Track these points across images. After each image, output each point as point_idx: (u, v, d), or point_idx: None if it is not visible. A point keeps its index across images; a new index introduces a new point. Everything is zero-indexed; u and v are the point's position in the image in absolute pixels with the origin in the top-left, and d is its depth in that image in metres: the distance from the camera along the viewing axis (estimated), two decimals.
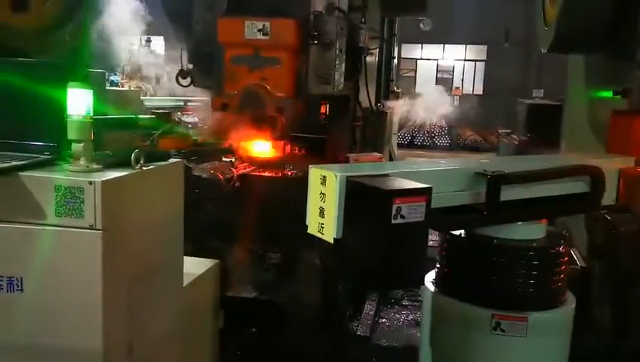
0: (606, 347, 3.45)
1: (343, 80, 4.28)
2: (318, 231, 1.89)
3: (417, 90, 20.26)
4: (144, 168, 1.70)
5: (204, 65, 4.33)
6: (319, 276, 4.02)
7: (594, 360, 3.36)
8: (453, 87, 19.85)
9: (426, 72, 21.26)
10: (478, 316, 2.50)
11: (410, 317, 4.62)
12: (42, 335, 1.55)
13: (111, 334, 1.55)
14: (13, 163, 1.55)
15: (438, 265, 2.78)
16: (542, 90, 16.10)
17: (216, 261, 2.43)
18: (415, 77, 21.12)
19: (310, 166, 1.96)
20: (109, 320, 1.54)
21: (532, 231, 2.55)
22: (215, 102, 4.18)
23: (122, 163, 1.71)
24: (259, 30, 4.03)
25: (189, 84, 4.44)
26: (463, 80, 20.95)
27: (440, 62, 21.39)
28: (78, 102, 1.64)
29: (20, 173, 1.53)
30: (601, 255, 3.83)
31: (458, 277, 2.64)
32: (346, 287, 4.64)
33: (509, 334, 2.47)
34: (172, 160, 1.88)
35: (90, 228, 1.51)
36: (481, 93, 20.88)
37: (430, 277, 2.81)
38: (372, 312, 4.47)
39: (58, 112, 1.68)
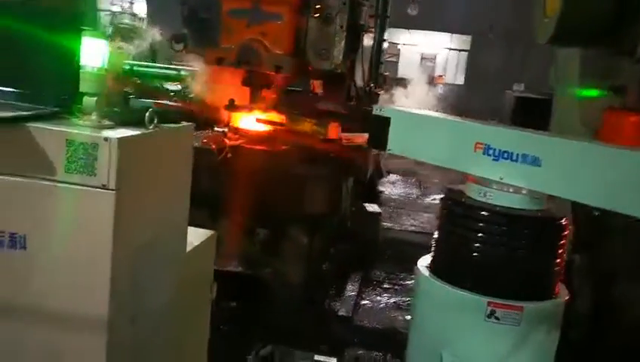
0: (587, 340, 3.50)
1: (341, 57, 4.21)
2: None
3: (400, 75, 20.29)
4: (157, 129, 1.61)
5: (199, 30, 4.19)
6: (305, 254, 3.99)
7: (574, 352, 3.40)
8: (436, 76, 19.86)
9: (408, 58, 21.20)
10: (473, 303, 2.48)
11: (392, 300, 4.62)
12: (45, 296, 1.46)
13: (116, 299, 1.48)
14: (19, 112, 1.45)
15: (433, 249, 2.75)
16: (522, 84, 16.25)
17: (213, 232, 2.35)
18: (397, 62, 21.05)
19: None
20: (115, 285, 1.45)
21: (534, 202, 2.45)
22: (209, 56, 4.00)
23: (133, 121, 1.62)
24: None
25: (182, 49, 4.30)
26: (445, 68, 20.98)
27: (423, 49, 21.35)
28: (93, 52, 1.54)
29: (27, 125, 1.43)
30: (586, 248, 3.87)
31: (454, 263, 2.61)
32: (330, 267, 4.63)
33: (502, 322, 2.46)
34: (184, 123, 1.80)
35: (103, 187, 1.41)
36: (462, 83, 20.96)
37: (425, 261, 2.79)
38: (354, 293, 4.45)
39: (69, 62, 1.58)
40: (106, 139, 1.41)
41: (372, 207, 5.60)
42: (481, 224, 2.51)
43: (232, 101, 4.13)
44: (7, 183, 1.43)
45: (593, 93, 4.71)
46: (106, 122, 1.52)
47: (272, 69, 3.95)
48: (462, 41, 21.19)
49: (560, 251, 2.54)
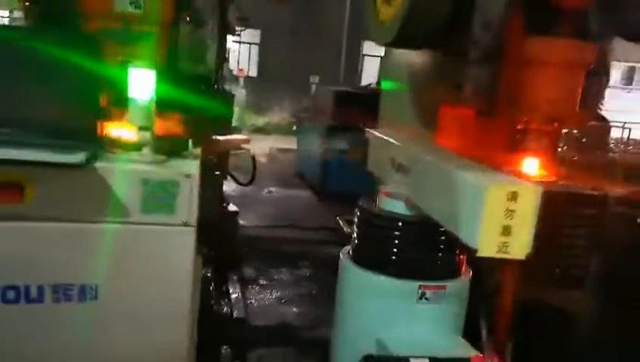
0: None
1: (214, 61, 4.19)
2: (499, 251, 1.88)
3: None
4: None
5: None
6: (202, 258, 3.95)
7: None
8: (238, 69, 20.03)
9: None
10: (406, 288, 2.80)
11: (274, 296, 4.77)
12: (119, 345, 1.37)
13: (191, 333, 1.45)
14: (83, 153, 1.32)
15: (357, 242, 3.00)
16: (317, 77, 17.29)
17: None
18: None
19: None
20: (191, 323, 1.43)
21: None
22: None
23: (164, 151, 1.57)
24: (130, 3, 3.71)
25: None
26: (239, 61, 21.24)
27: None
28: (142, 84, 1.47)
29: (95, 165, 1.32)
30: None
31: (380, 257, 2.88)
32: (212, 270, 4.61)
33: (431, 302, 2.82)
34: None
35: (184, 224, 1.37)
36: (256, 75, 21.47)
37: (347, 256, 3.03)
38: (238, 294, 4.51)
39: (96, 91, 1.49)
40: (187, 176, 1.37)
41: (231, 206, 5.65)
42: (397, 230, 2.84)
43: None
44: (72, 230, 1.30)
45: (424, 89, 5.33)
46: (159, 156, 1.47)
47: None
48: (252, 35, 21.65)
49: None
